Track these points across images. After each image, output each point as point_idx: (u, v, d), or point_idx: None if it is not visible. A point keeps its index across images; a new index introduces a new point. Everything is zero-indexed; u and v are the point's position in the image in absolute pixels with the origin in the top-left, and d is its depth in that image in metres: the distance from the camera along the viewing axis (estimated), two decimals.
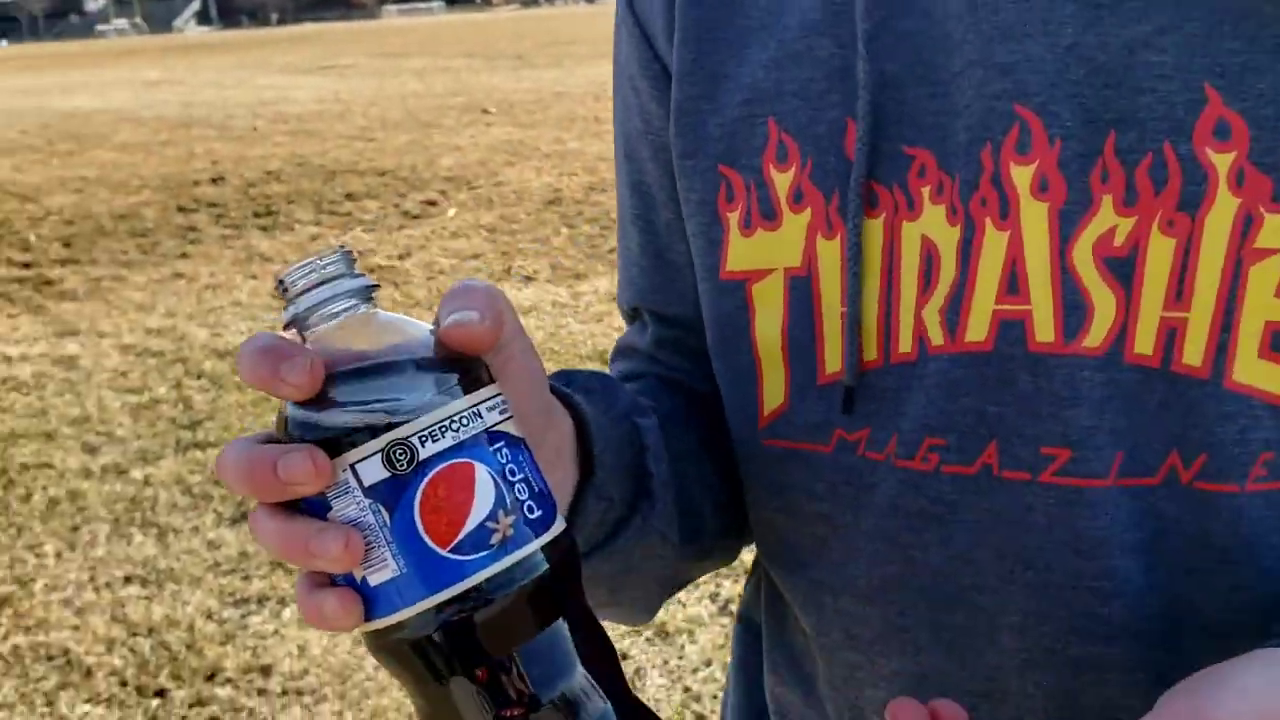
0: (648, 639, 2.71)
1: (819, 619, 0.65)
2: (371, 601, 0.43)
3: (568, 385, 0.61)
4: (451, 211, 7.36)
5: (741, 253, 0.62)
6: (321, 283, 0.44)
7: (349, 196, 7.97)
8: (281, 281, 0.45)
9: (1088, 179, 0.53)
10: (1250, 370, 0.53)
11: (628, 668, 2.61)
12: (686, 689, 2.53)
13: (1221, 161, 0.52)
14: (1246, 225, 0.52)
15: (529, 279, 5.84)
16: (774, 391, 0.63)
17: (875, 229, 0.58)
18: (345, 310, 0.44)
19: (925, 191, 0.57)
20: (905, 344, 0.58)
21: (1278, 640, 0.50)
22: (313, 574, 0.44)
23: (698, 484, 0.66)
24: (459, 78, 17.25)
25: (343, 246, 0.46)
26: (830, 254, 0.59)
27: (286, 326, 0.46)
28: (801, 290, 0.61)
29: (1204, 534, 0.55)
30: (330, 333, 0.44)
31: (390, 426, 0.42)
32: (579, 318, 5.15)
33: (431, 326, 0.47)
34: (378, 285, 0.46)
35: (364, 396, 0.43)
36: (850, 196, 0.57)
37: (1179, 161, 0.52)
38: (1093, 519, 0.55)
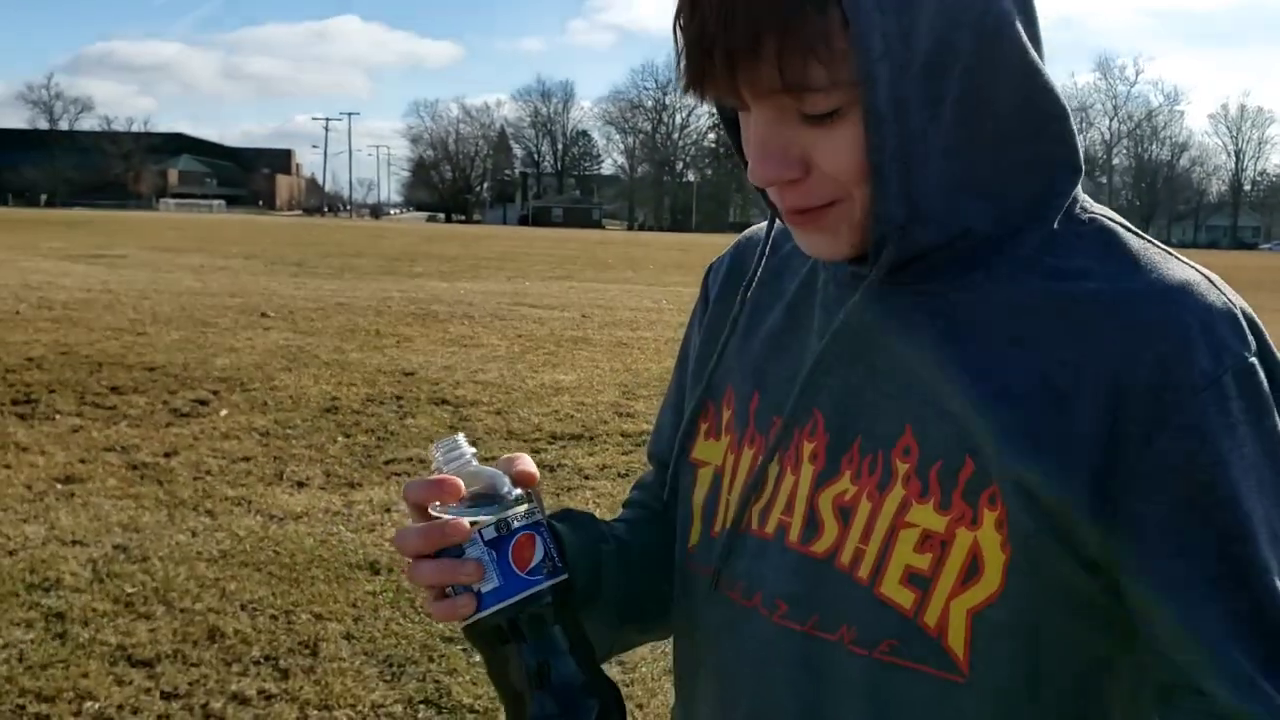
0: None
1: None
2: (481, 600, 0.85)
3: (563, 517, 0.99)
4: (224, 412, 7.30)
5: (701, 449, 1.03)
6: (452, 450, 0.89)
7: (115, 390, 7.78)
8: (433, 452, 0.89)
9: (839, 460, 0.91)
10: (892, 589, 0.86)
11: None
12: None
13: (902, 468, 0.86)
14: (903, 508, 0.86)
15: (301, 484, 5.85)
16: (694, 535, 1.02)
17: (747, 458, 0.98)
18: (461, 461, 0.88)
19: (752, 443, 0.98)
20: (730, 524, 0.99)
21: None
22: (440, 592, 0.86)
23: (648, 586, 1.04)
24: (237, 278, 17.16)
25: (461, 434, 0.91)
26: (729, 465, 1.00)
27: (433, 470, 0.89)
28: (717, 480, 1.01)
29: (841, 676, 0.91)
30: (458, 470, 0.88)
31: (498, 513, 0.86)
32: (351, 526, 5.20)
33: (489, 467, 0.90)
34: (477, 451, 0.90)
35: (485, 500, 0.87)
36: (742, 443, 0.99)
37: (883, 463, 0.88)
38: (786, 645, 0.93)
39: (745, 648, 0.95)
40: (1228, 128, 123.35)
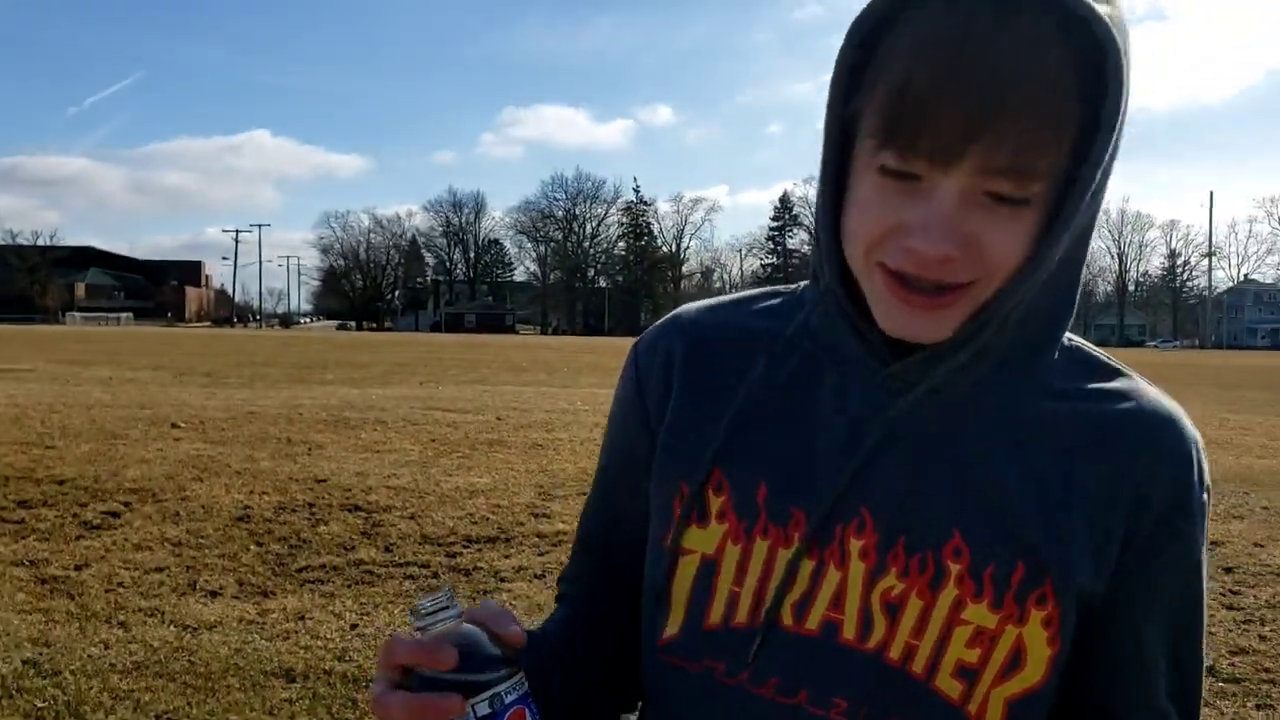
0: None
1: None
2: None
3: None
4: (135, 524, 7.25)
5: (680, 535, 0.98)
6: (442, 609, 0.83)
7: (23, 504, 7.68)
8: (419, 608, 0.83)
9: (886, 557, 0.91)
10: (945, 681, 0.90)
11: None
12: None
13: (954, 569, 0.89)
14: (958, 605, 0.89)
15: (214, 594, 5.85)
16: (673, 624, 0.99)
17: (762, 549, 0.94)
18: (451, 620, 0.84)
19: (796, 535, 0.93)
20: (762, 617, 0.94)
21: None
22: None
23: (592, 680, 1.05)
24: (146, 390, 16.92)
25: (448, 586, 0.87)
26: (732, 554, 0.95)
27: (417, 628, 0.83)
28: (708, 569, 0.96)
29: None
30: (448, 634, 0.83)
31: (491, 685, 0.82)
32: (265, 634, 5.21)
33: (477, 629, 0.85)
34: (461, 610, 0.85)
35: (478, 672, 0.82)
36: (768, 530, 0.95)
37: (934, 563, 0.90)
38: None
39: None
40: (1110, 232, 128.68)
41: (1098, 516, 0.91)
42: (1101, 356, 0.99)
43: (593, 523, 1.14)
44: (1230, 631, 5.55)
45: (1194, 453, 0.94)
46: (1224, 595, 6.19)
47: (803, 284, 1.06)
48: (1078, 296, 0.96)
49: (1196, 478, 0.94)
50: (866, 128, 0.84)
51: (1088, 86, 0.79)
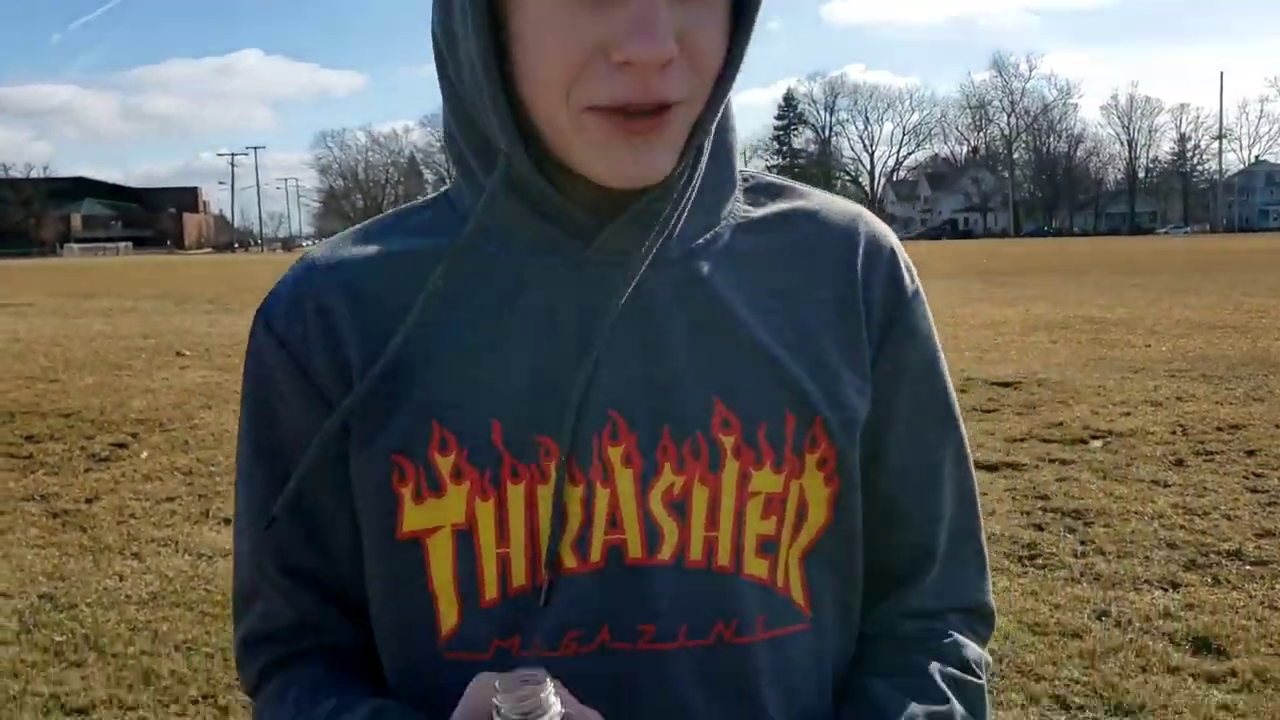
0: None
1: None
2: None
3: None
4: (144, 454, 7.21)
5: (414, 517, 0.82)
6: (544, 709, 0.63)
7: (29, 438, 7.64)
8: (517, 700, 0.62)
9: (655, 454, 0.81)
10: (752, 564, 0.83)
11: None
12: None
13: (728, 442, 0.82)
14: (744, 479, 0.82)
15: (228, 521, 5.80)
16: (448, 616, 0.83)
17: (519, 493, 0.81)
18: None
19: (551, 465, 0.80)
20: (544, 570, 0.81)
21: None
22: None
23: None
24: (149, 319, 16.86)
25: (544, 673, 0.64)
26: (486, 512, 0.81)
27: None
28: (465, 539, 0.81)
29: (739, 671, 0.83)
30: None
31: None
32: None
33: None
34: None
35: None
36: (501, 472, 0.81)
37: (705, 442, 0.82)
38: (669, 669, 0.81)
39: (603, 696, 0.77)
40: (1119, 119, 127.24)
41: (840, 337, 0.87)
42: (771, 178, 0.94)
43: (296, 552, 0.88)
44: (1255, 515, 5.48)
45: (895, 244, 0.92)
46: (1248, 479, 6.11)
47: (441, 191, 0.92)
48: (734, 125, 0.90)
49: (905, 268, 0.92)
50: None
51: None
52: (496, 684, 0.62)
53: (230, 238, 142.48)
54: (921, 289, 0.93)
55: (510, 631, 0.81)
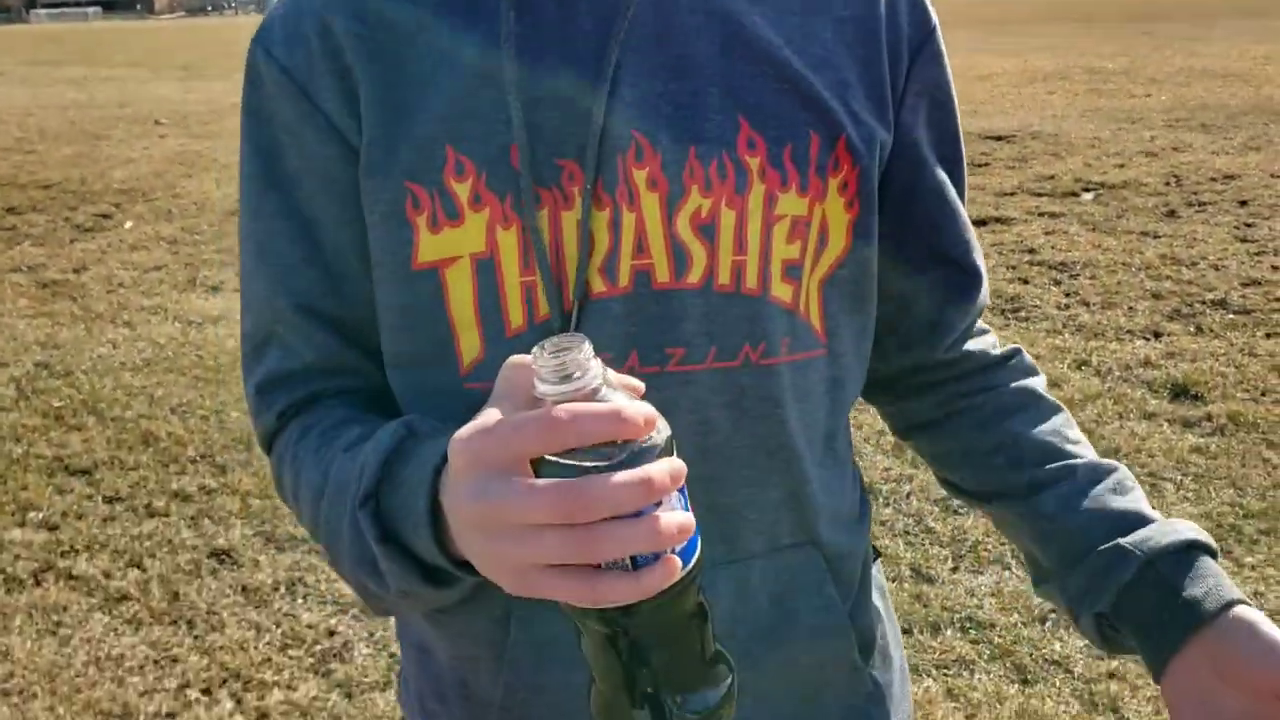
0: (354, 616, 2.92)
1: None
2: (684, 560, 0.57)
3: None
4: (129, 224, 7.14)
5: (431, 246, 0.79)
6: (587, 366, 0.56)
7: (11, 210, 7.55)
8: (548, 369, 0.55)
9: (682, 176, 0.79)
10: (778, 288, 0.82)
11: (335, 642, 2.82)
12: (391, 654, 2.76)
13: (754, 163, 0.80)
14: (770, 201, 0.80)
15: (215, 289, 5.81)
16: (470, 347, 0.80)
17: (543, 219, 0.78)
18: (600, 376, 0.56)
19: (575, 190, 0.78)
20: (571, 296, 0.79)
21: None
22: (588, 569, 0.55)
23: None
24: (124, 88, 16.39)
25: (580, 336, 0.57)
26: (508, 240, 0.78)
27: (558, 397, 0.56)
28: (486, 269, 0.79)
29: (764, 392, 0.83)
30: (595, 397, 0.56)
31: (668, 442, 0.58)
32: None
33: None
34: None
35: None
36: (525, 197, 0.77)
37: (731, 163, 0.79)
38: (698, 390, 0.81)
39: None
40: None
41: (859, 57, 0.85)
42: None
43: (313, 289, 0.85)
44: (1243, 264, 5.49)
45: None
46: (1238, 229, 6.10)
47: None
48: None
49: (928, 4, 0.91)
50: None
51: None
52: (533, 351, 0.57)
53: (203, 1, 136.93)
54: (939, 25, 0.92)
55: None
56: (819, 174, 0.82)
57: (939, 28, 0.90)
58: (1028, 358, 1.01)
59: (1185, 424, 3.83)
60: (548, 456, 0.55)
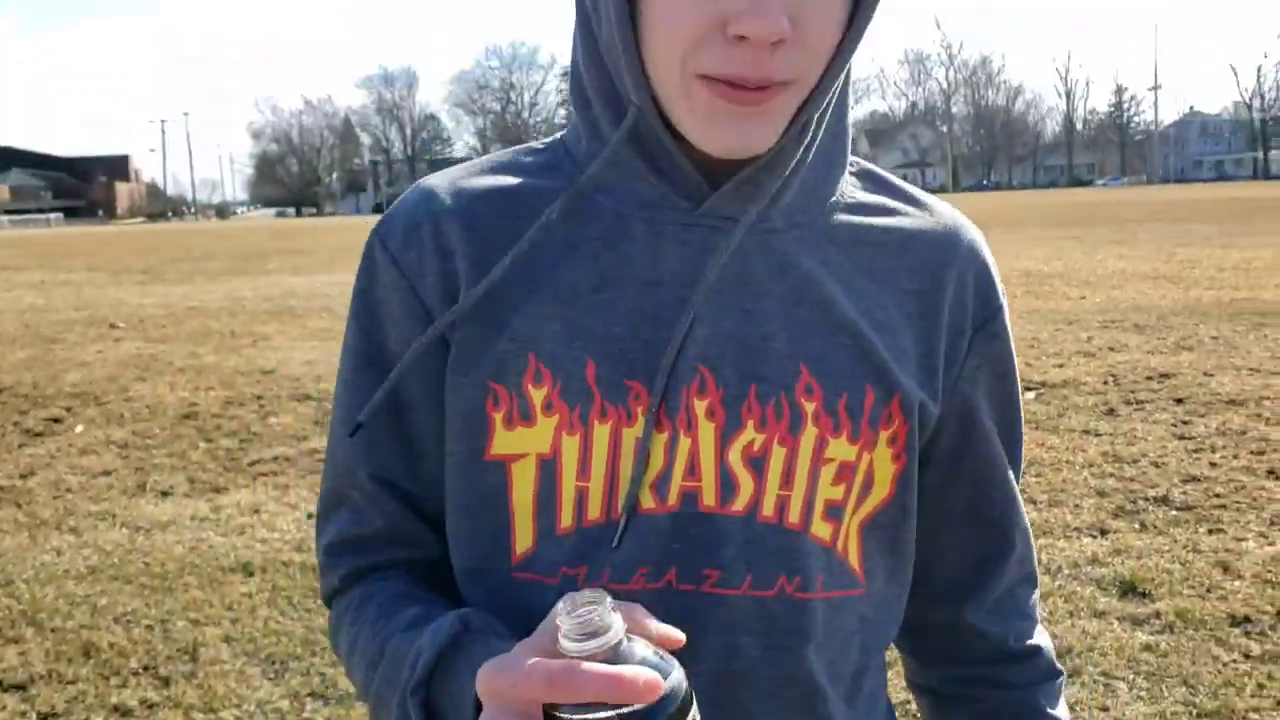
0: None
1: None
2: None
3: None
4: (79, 428, 7.10)
5: (503, 442, 0.86)
6: (603, 628, 0.62)
7: None
8: (570, 628, 0.61)
9: (739, 410, 0.85)
10: (819, 526, 0.87)
11: None
12: None
13: (809, 407, 0.85)
14: (821, 444, 0.86)
15: (165, 494, 5.75)
16: (523, 539, 0.87)
17: (605, 433, 0.84)
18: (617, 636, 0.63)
19: (639, 410, 0.84)
20: (620, 507, 0.85)
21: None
22: None
23: None
24: (82, 292, 16.52)
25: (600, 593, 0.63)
26: (571, 446, 0.85)
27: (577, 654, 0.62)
28: (548, 469, 0.85)
29: (795, 625, 0.86)
30: (608, 658, 0.62)
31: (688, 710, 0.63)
32: (220, 530, 5.14)
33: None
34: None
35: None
36: (595, 411, 0.84)
37: (788, 405, 0.85)
38: (730, 614, 0.85)
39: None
40: (1057, 70, 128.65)
41: (921, 332, 0.91)
42: (876, 169, 0.97)
43: (389, 460, 0.92)
44: (1182, 461, 5.63)
45: (988, 252, 0.97)
46: (1175, 426, 6.27)
47: (557, 136, 0.95)
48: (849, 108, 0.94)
49: (997, 276, 0.97)
50: None
51: None
52: (559, 605, 0.63)
53: (163, 206, 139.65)
54: (1006, 315, 0.98)
55: (579, 561, 0.85)
56: (870, 425, 0.87)
57: (1005, 307, 0.97)
58: (1049, 657, 1.03)
59: (1135, 621, 3.86)
60: (559, 710, 0.62)
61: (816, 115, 0.84)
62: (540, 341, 0.85)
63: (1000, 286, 0.97)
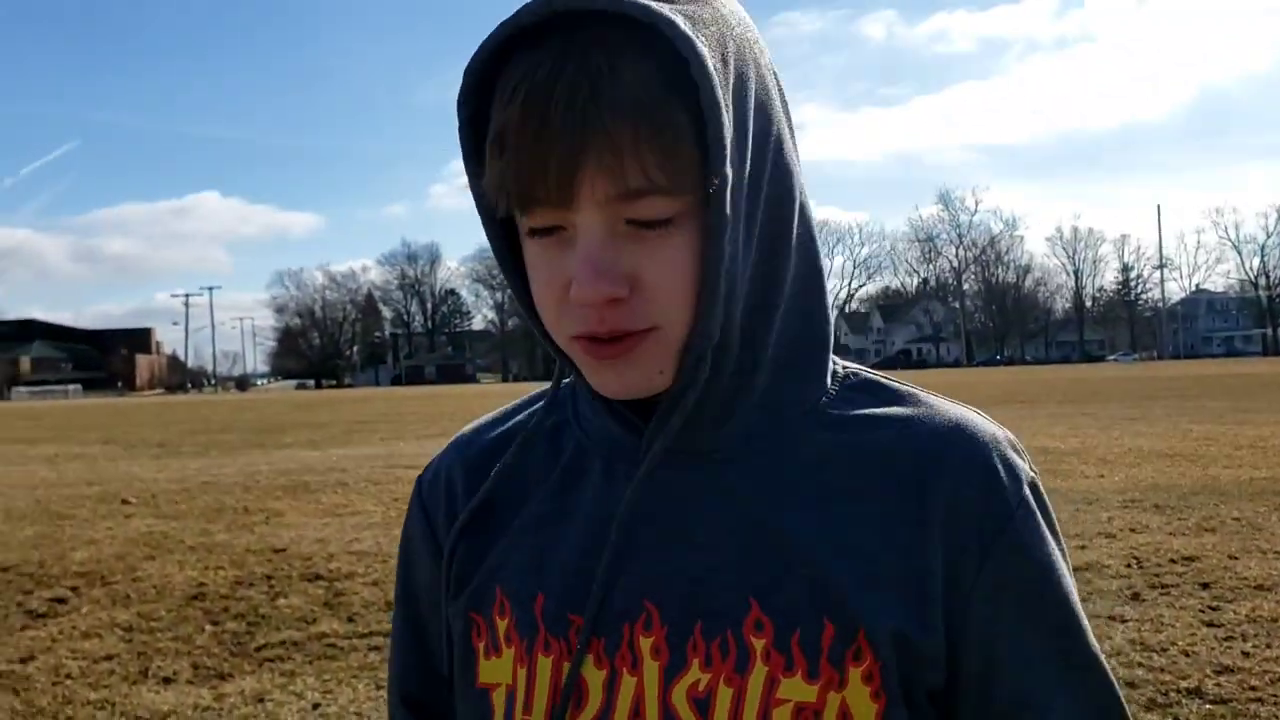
0: None
1: None
2: None
3: None
4: (84, 610, 6.98)
5: (485, 670, 0.91)
6: None
7: None
8: None
9: (685, 648, 0.83)
10: None
11: None
12: None
13: (759, 644, 0.81)
14: (771, 684, 0.81)
15: (168, 680, 5.60)
16: None
17: (546, 666, 0.86)
18: None
19: (577, 643, 0.85)
20: None
21: None
22: None
23: None
24: (95, 465, 16.55)
25: None
26: (521, 679, 0.87)
27: None
28: (510, 699, 0.88)
29: None
30: None
31: None
32: None
33: None
34: None
35: None
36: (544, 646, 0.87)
37: (735, 641, 0.82)
38: None
39: None
40: (1064, 249, 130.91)
41: (904, 556, 0.83)
42: (883, 380, 0.93)
43: (410, 678, 1.04)
44: (1213, 650, 5.45)
45: (995, 457, 0.87)
46: (1203, 613, 6.10)
47: None
48: (831, 318, 0.92)
49: (1007, 482, 0.86)
50: (491, 195, 0.80)
51: (687, 91, 0.75)
52: None
53: (183, 378, 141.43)
54: (1033, 497, 0.87)
55: None
56: (832, 662, 0.81)
57: (1024, 513, 0.86)
58: None
59: None
60: None
61: (709, 350, 0.81)
62: (505, 572, 0.91)
63: (1019, 479, 0.86)
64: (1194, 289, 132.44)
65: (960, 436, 0.87)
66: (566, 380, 0.97)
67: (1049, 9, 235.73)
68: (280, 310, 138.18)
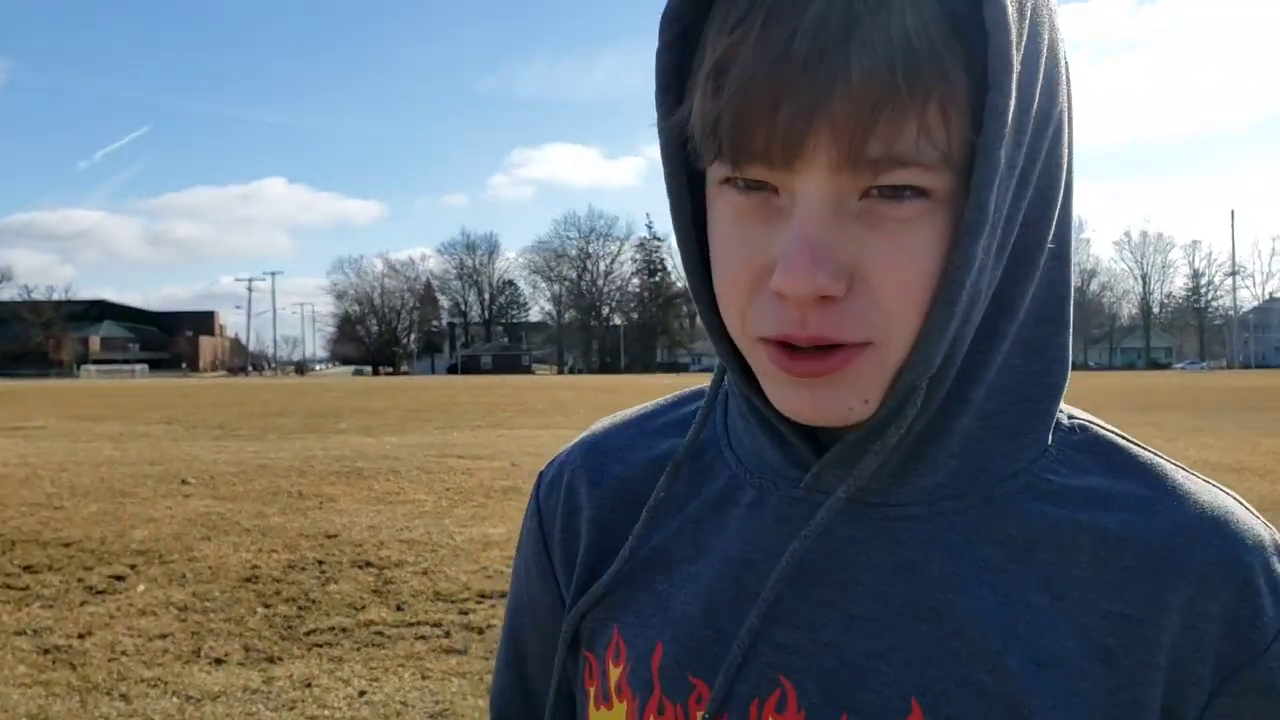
0: None
1: None
2: None
3: None
4: (140, 588, 7.09)
5: (595, 717, 0.78)
6: None
7: (28, 569, 7.53)
8: None
9: None
10: None
11: None
12: None
13: None
14: None
15: (219, 661, 5.66)
16: None
17: None
18: None
19: (698, 715, 0.71)
20: None
21: None
22: None
23: None
24: (158, 445, 16.83)
25: None
26: None
27: None
28: None
29: None
30: None
31: None
32: (270, 704, 5.02)
33: None
34: None
35: None
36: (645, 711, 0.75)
37: None
38: None
39: None
40: (1132, 254, 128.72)
41: (1121, 670, 0.66)
42: (1119, 440, 0.73)
43: (507, 700, 0.93)
44: None
45: (1257, 566, 0.67)
46: None
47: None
48: (1068, 359, 0.72)
49: (1268, 602, 0.66)
50: (698, 136, 0.63)
51: (971, 39, 0.58)
52: None
53: (244, 360, 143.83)
54: None
55: None
56: None
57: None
58: None
59: None
60: None
61: (925, 380, 0.65)
62: (625, 612, 0.77)
63: (1271, 626, 0.66)
64: (1267, 297, 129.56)
65: (1214, 532, 0.68)
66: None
67: (1122, 8, 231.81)
68: (340, 297, 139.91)
